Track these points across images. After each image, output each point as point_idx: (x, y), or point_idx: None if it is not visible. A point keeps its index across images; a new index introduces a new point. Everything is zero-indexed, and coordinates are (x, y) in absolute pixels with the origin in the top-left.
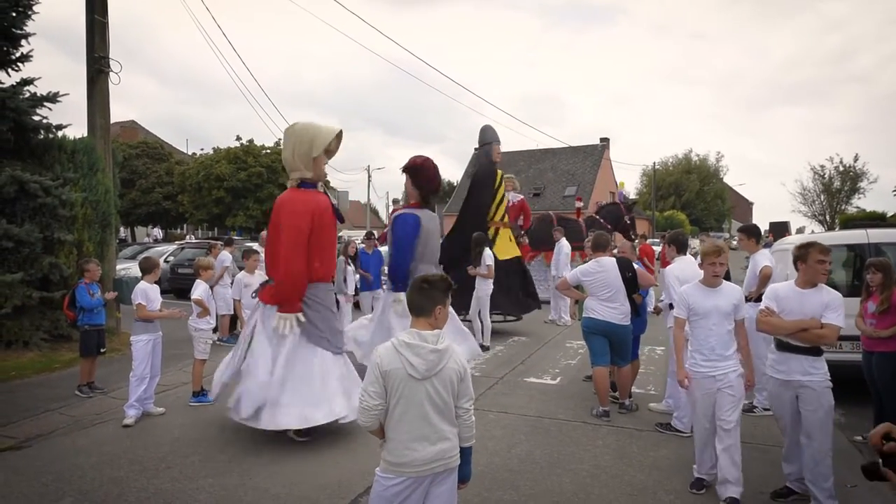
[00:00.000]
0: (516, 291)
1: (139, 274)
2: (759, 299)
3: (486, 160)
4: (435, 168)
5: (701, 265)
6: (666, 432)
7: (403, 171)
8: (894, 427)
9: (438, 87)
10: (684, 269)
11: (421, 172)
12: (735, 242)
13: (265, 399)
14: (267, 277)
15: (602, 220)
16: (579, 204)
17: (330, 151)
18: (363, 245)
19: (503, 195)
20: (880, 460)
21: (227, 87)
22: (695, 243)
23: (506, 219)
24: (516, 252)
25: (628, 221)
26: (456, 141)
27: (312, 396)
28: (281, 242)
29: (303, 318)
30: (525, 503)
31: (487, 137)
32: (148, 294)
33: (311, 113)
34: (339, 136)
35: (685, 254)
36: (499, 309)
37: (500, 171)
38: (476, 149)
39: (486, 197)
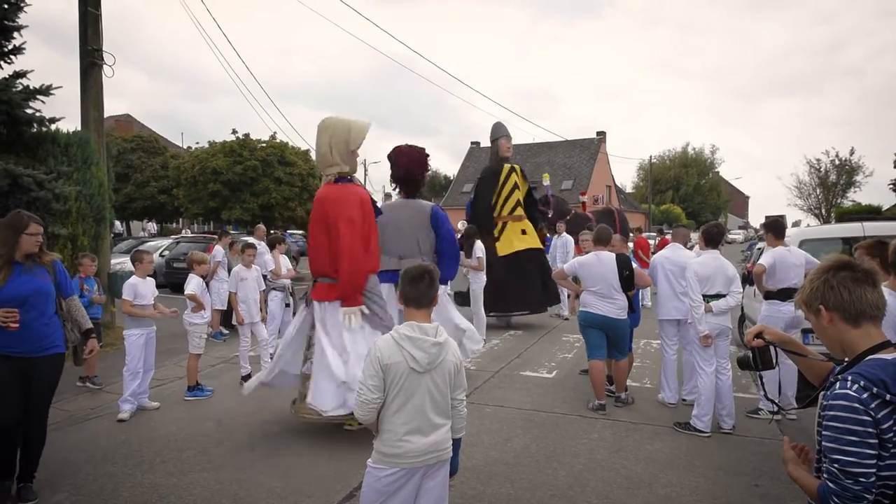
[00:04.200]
0: (534, 285)
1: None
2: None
3: (493, 157)
4: (403, 155)
5: None
6: (684, 432)
7: None
8: (766, 327)
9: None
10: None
11: (391, 162)
12: (731, 236)
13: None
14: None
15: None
16: (584, 198)
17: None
18: None
19: (512, 188)
20: (750, 354)
21: (222, 81)
22: (695, 236)
23: (517, 211)
24: (532, 244)
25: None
26: (449, 135)
27: None
28: (341, 237)
29: (366, 311)
30: (521, 496)
31: (495, 133)
32: (137, 289)
33: (304, 106)
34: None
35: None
36: (514, 307)
37: (506, 165)
38: (472, 143)
39: (489, 195)
